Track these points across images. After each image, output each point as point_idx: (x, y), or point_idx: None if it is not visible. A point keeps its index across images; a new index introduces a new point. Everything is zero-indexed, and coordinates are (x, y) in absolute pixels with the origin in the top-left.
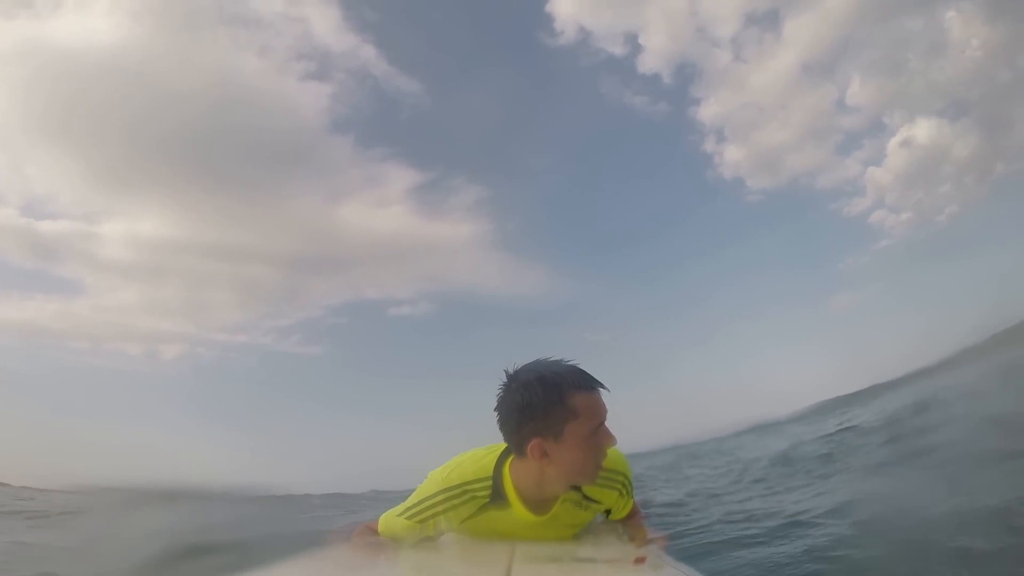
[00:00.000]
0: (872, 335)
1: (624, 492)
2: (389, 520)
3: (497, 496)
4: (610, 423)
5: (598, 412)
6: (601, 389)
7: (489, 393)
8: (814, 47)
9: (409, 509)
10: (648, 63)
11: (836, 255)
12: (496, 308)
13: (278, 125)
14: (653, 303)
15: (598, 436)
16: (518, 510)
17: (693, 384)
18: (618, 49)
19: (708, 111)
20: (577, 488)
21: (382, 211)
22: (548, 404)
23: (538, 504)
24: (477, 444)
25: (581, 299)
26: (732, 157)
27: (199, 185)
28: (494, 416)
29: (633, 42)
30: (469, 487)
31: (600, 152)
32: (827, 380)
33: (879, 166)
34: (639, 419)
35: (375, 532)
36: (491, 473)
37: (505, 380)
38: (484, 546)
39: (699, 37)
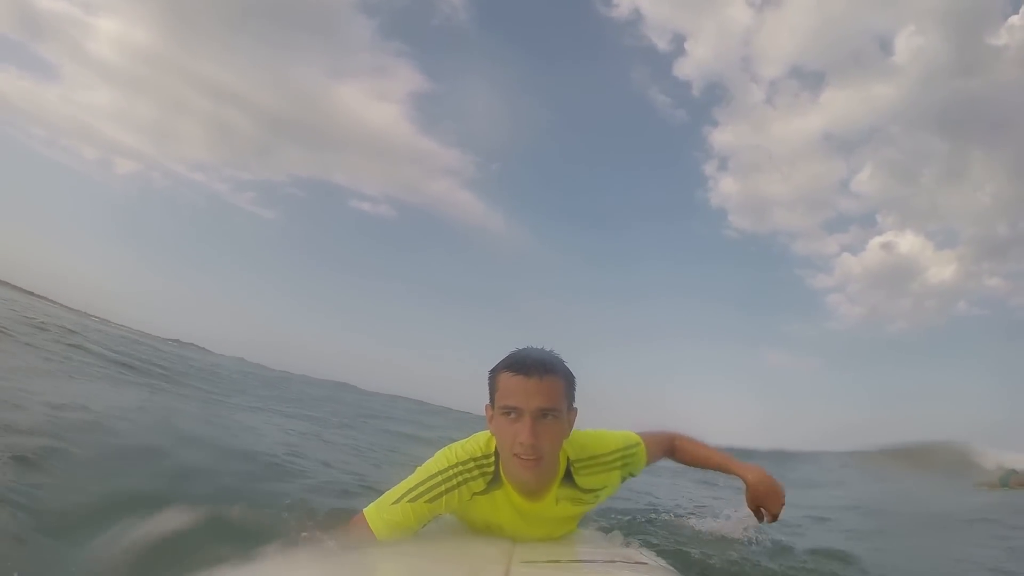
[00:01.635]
0: (791, 403)
1: (626, 460)
2: (385, 511)
3: (496, 476)
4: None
5: (510, 393)
6: (542, 378)
7: (422, 310)
8: (843, 122)
9: (413, 490)
10: (685, 69)
11: (785, 317)
12: (455, 236)
13: None
14: (600, 290)
15: (510, 421)
16: (510, 493)
17: (607, 376)
18: (663, 44)
19: (721, 137)
20: (571, 482)
21: (379, 104)
22: (490, 373)
23: (529, 492)
24: (395, 355)
25: (535, 259)
26: (726, 188)
27: (210, 11)
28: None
29: (679, 43)
30: (479, 461)
31: (605, 130)
32: (729, 426)
33: (855, 255)
34: None
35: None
36: (493, 452)
37: None
38: (483, 545)
39: (742, 67)
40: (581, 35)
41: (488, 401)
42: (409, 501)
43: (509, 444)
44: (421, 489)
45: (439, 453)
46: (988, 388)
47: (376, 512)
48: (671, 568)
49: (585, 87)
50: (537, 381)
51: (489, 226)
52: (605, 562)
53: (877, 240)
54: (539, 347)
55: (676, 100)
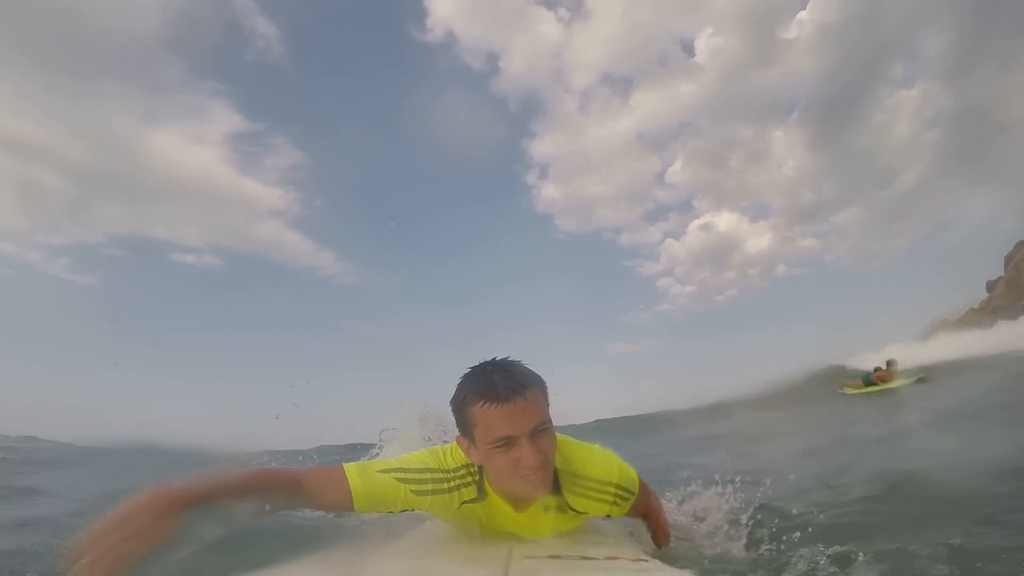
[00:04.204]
0: (637, 381)
1: (618, 501)
2: (369, 477)
3: (481, 489)
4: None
5: (496, 426)
6: (524, 397)
7: (260, 354)
8: (653, 121)
9: (403, 472)
10: (500, 85)
11: (621, 307)
12: (286, 278)
13: (115, 24)
14: (440, 309)
15: (509, 452)
16: (496, 502)
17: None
18: (478, 63)
19: (540, 147)
20: (558, 494)
21: (196, 149)
22: (456, 407)
23: (514, 501)
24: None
25: (365, 290)
26: (549, 195)
27: (10, 63)
28: None
29: (493, 62)
30: (459, 473)
31: (426, 152)
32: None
33: (678, 240)
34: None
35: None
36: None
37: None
38: (482, 542)
39: (555, 79)
40: (398, 61)
41: (462, 433)
42: (395, 479)
43: (509, 472)
44: (411, 476)
45: (429, 450)
46: (819, 334)
47: (358, 475)
48: (672, 565)
49: (405, 112)
50: (521, 402)
51: (319, 264)
52: (607, 559)
53: (696, 223)
54: (489, 359)
55: (495, 116)
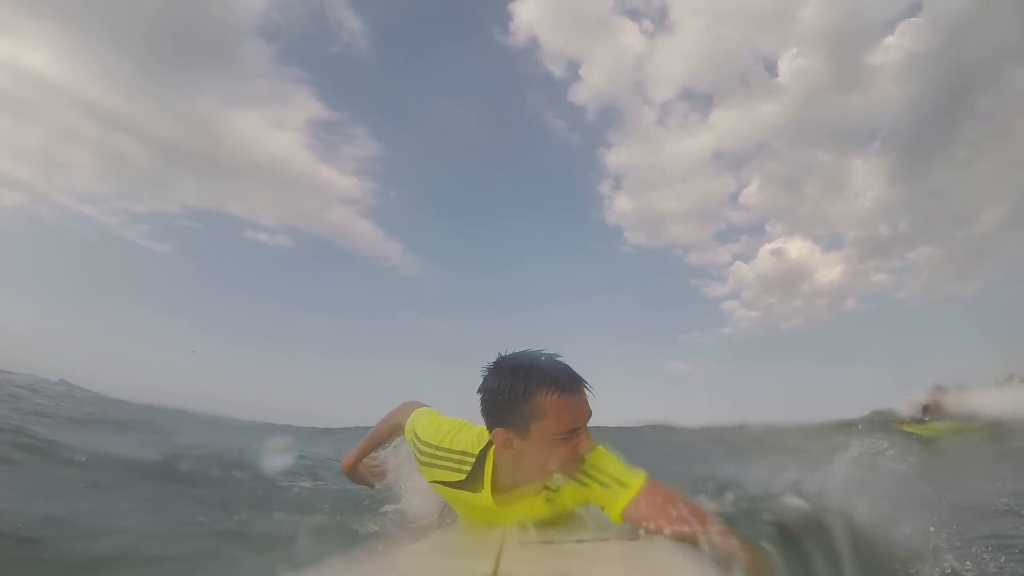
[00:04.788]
0: (689, 404)
1: (612, 486)
2: (415, 427)
3: (474, 476)
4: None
5: (570, 417)
6: (583, 389)
7: (321, 334)
8: (731, 140)
9: (426, 444)
10: (579, 94)
11: (683, 326)
12: (353, 266)
13: (206, 6)
14: (504, 316)
15: (570, 442)
16: (485, 497)
17: None
18: (558, 70)
19: (615, 158)
20: (548, 488)
21: (277, 133)
22: (513, 397)
23: (508, 494)
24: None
25: (430, 284)
26: (621, 207)
27: (105, 38)
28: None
29: (574, 70)
30: (451, 457)
31: (502, 155)
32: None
33: (747, 263)
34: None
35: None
36: (477, 453)
37: (492, 362)
38: (476, 529)
39: (634, 90)
40: (479, 63)
41: (506, 427)
42: (417, 448)
43: (564, 460)
44: (424, 449)
45: (448, 424)
46: (884, 374)
47: (413, 424)
48: (666, 540)
49: (483, 113)
50: (583, 393)
51: (387, 254)
52: (599, 540)
53: (767, 247)
54: (521, 352)
55: (571, 124)
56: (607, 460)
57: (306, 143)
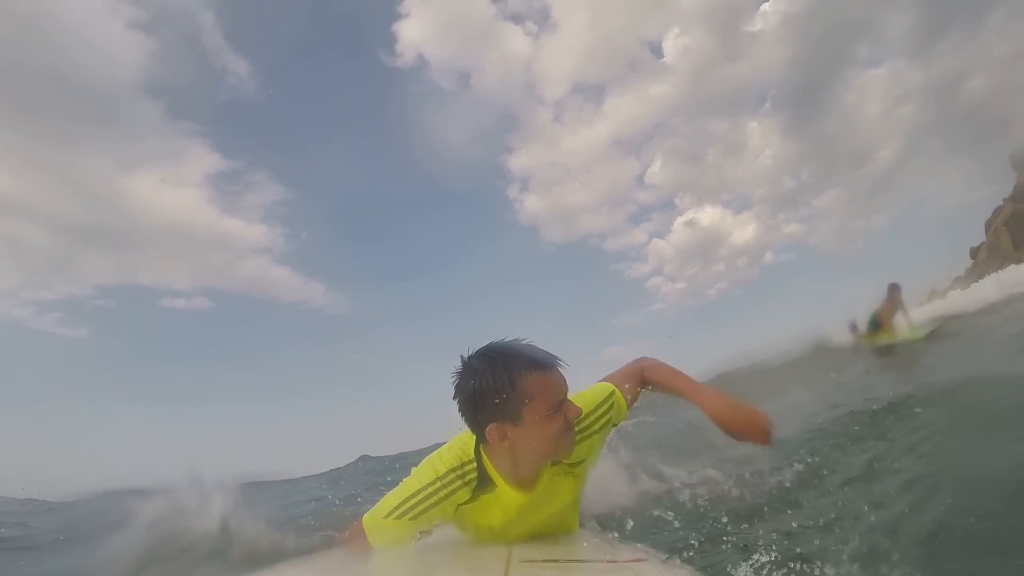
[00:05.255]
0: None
1: (610, 418)
2: (376, 523)
3: (483, 479)
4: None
5: (555, 390)
6: (558, 364)
7: (256, 390)
8: (628, 125)
9: (398, 508)
10: (474, 104)
11: (613, 312)
12: (277, 314)
13: (87, 69)
14: (430, 332)
15: (560, 413)
16: (505, 491)
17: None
18: (449, 84)
19: (518, 161)
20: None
21: (175, 192)
22: (499, 390)
23: (523, 482)
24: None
25: (358, 319)
26: (532, 207)
27: None
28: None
29: (465, 81)
30: (459, 470)
31: (407, 177)
32: None
33: (663, 239)
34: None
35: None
36: (473, 458)
37: (460, 366)
38: (480, 547)
39: (527, 92)
40: (370, 88)
41: (498, 420)
42: (396, 519)
43: (558, 435)
44: (406, 507)
45: (425, 462)
46: (813, 315)
47: (372, 523)
48: (672, 563)
49: (382, 138)
50: (559, 367)
51: (309, 297)
52: (606, 561)
53: (680, 220)
54: (496, 342)
55: (470, 135)
56: (582, 400)
57: (208, 197)
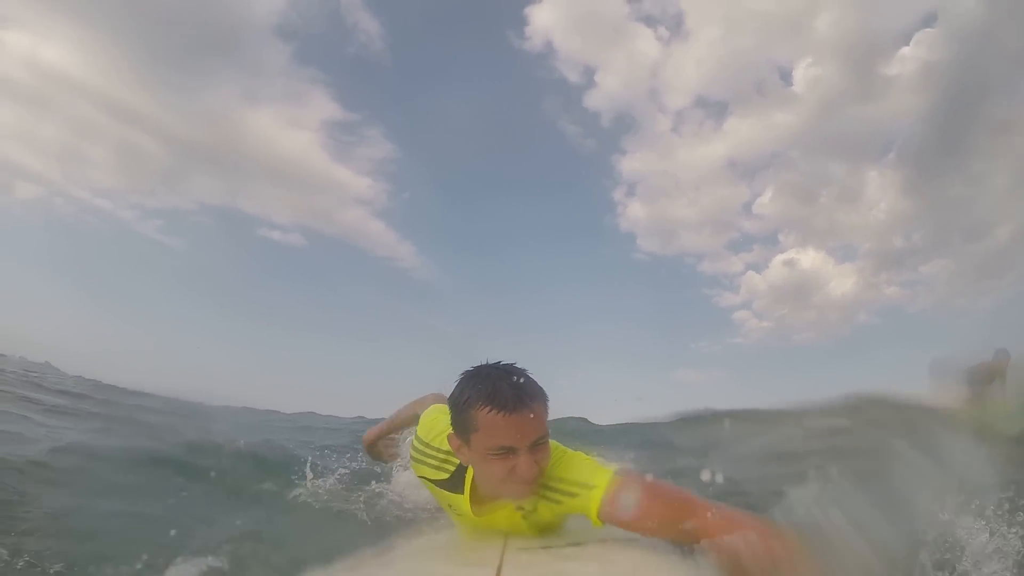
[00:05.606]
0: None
1: (575, 495)
2: (426, 423)
3: (456, 479)
4: None
5: (499, 435)
6: (530, 410)
7: (331, 332)
8: (745, 149)
9: (424, 445)
10: (594, 100)
11: (693, 335)
12: (366, 266)
13: (224, 4)
14: (514, 319)
15: (506, 461)
16: (463, 502)
17: None
18: (573, 76)
19: (629, 164)
20: (522, 508)
21: (292, 131)
22: (456, 405)
23: (486, 504)
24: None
25: (442, 286)
26: (634, 213)
27: (122, 34)
28: None
29: (589, 76)
30: (438, 456)
31: (516, 160)
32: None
33: (759, 273)
34: None
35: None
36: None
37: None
38: (477, 534)
39: (650, 97)
40: (494, 67)
41: (456, 431)
42: (415, 448)
43: (501, 479)
44: (419, 448)
45: (441, 420)
46: (894, 382)
47: (425, 418)
48: (664, 543)
49: (498, 117)
50: (527, 414)
51: (399, 255)
52: (597, 542)
53: (780, 258)
54: (495, 363)
55: (586, 130)
56: (574, 468)
57: (322, 143)
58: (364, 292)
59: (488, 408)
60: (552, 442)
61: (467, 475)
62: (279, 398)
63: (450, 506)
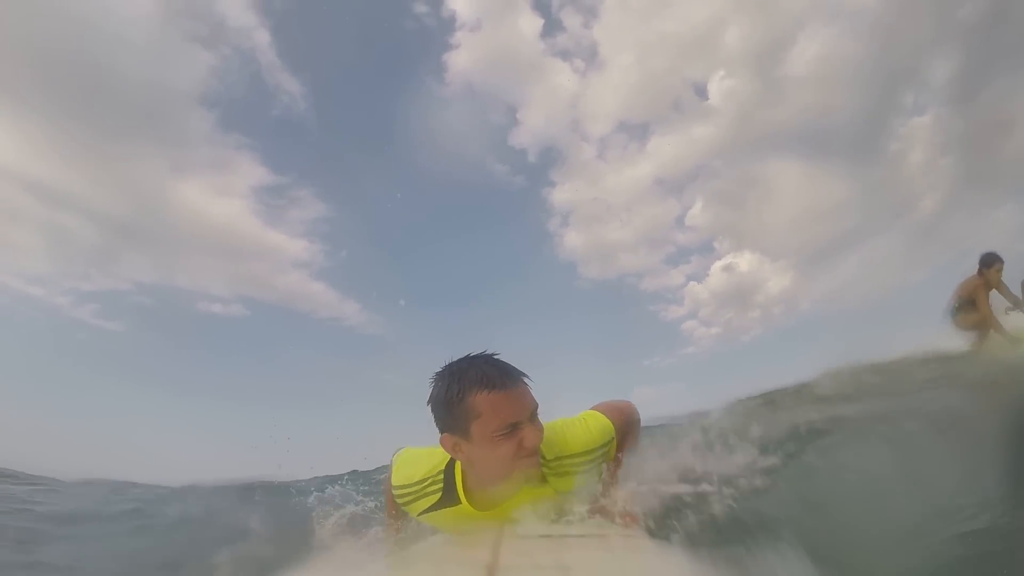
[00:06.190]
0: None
1: (591, 468)
2: (397, 467)
3: (448, 493)
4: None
5: (504, 412)
6: (522, 382)
7: (282, 400)
8: (671, 166)
9: (402, 491)
10: (519, 137)
11: (645, 352)
12: (311, 329)
13: (147, 74)
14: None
15: (513, 437)
16: (466, 509)
17: None
18: (496, 116)
19: (560, 195)
20: (542, 482)
21: (221, 200)
22: (448, 401)
23: (488, 502)
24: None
25: (390, 340)
26: (571, 242)
27: (46, 113)
28: None
29: (512, 114)
30: (421, 485)
31: (448, 202)
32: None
33: (700, 282)
34: None
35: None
36: (442, 469)
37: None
38: (473, 523)
39: (572, 128)
40: (418, 115)
41: (450, 431)
42: (401, 502)
43: (510, 458)
44: (404, 491)
45: (414, 458)
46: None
47: (392, 477)
48: (662, 540)
49: (426, 165)
50: (522, 387)
51: (344, 314)
52: (597, 535)
53: (718, 264)
54: (460, 358)
55: (513, 167)
56: (574, 438)
57: (252, 209)
58: (312, 356)
59: (486, 392)
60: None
61: (457, 480)
62: (229, 469)
63: (452, 522)
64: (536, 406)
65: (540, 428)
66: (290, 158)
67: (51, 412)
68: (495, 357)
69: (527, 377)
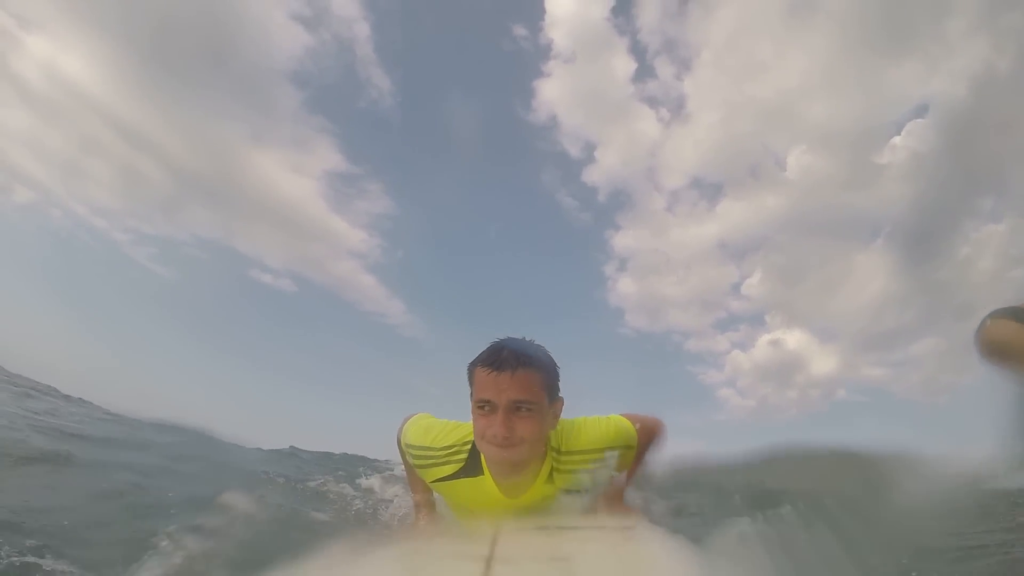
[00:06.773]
0: None
1: (610, 459)
2: (416, 428)
3: (473, 464)
4: None
5: (481, 388)
6: (515, 371)
7: (310, 390)
8: (736, 231)
9: (423, 455)
10: (593, 175)
11: (677, 410)
12: (353, 318)
13: (245, 45)
14: None
15: (484, 416)
16: (488, 482)
17: None
18: (575, 150)
19: (622, 240)
20: (550, 481)
21: (294, 177)
22: (469, 368)
23: (509, 479)
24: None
25: (427, 346)
26: (624, 289)
27: (144, 56)
28: None
29: (590, 151)
30: (446, 451)
31: (512, 225)
32: None
33: (745, 352)
34: None
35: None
36: (471, 440)
37: None
38: (470, 515)
39: (647, 176)
40: (499, 135)
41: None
42: (416, 464)
43: (480, 436)
44: (420, 453)
45: (447, 427)
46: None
47: (409, 435)
48: (660, 530)
49: (498, 185)
50: (509, 375)
51: (388, 311)
52: (594, 527)
53: (766, 338)
54: (520, 337)
55: (582, 203)
56: (592, 433)
57: (321, 192)
58: (349, 344)
59: (480, 366)
60: (569, 419)
61: (483, 456)
62: (260, 435)
63: (468, 495)
64: (523, 399)
65: (521, 425)
66: (368, 150)
67: (87, 338)
68: (525, 342)
69: (534, 368)
